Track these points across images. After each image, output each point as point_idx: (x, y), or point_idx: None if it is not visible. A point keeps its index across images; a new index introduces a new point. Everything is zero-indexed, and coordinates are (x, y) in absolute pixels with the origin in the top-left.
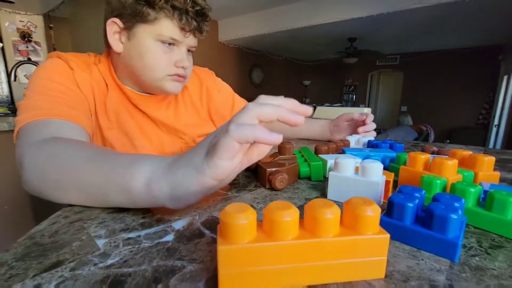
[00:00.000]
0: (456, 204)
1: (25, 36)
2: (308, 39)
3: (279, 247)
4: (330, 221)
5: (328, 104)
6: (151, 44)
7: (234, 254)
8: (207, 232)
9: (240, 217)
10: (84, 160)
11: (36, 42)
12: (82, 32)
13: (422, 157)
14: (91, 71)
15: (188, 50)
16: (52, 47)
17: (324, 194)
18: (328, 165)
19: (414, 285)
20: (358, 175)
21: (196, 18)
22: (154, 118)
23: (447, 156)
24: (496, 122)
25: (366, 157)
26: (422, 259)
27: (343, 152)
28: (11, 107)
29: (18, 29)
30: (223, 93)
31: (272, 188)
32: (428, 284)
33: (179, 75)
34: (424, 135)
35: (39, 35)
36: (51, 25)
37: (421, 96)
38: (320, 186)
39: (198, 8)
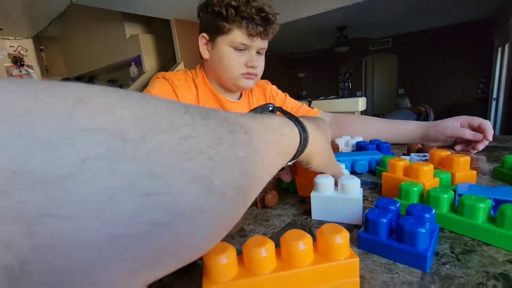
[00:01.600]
0: (427, 215)
1: (17, 61)
2: (297, 33)
3: (259, 281)
4: (304, 252)
5: (323, 98)
6: (226, 50)
7: None
8: (200, 262)
9: (221, 257)
10: None
11: (28, 66)
12: (73, 50)
13: (401, 164)
14: (191, 89)
15: (258, 52)
16: (45, 69)
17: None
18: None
19: None
20: (338, 192)
21: (261, 23)
22: None
23: (427, 156)
24: (494, 95)
25: (353, 162)
26: (397, 272)
27: None
28: None
29: (9, 54)
30: (279, 96)
31: (263, 206)
32: None
33: (249, 74)
34: (423, 115)
35: (30, 58)
36: (42, 47)
37: (417, 77)
38: (308, 198)
39: (263, 14)
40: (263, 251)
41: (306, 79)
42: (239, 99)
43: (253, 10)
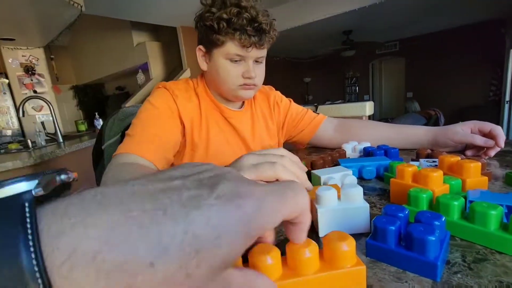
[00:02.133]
0: (436, 223)
1: (29, 70)
2: (303, 37)
3: None
4: (310, 259)
5: (329, 102)
6: (222, 63)
7: None
8: None
9: None
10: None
11: (39, 74)
12: (82, 57)
13: (410, 170)
14: (191, 99)
15: (256, 61)
16: (55, 77)
17: None
18: (322, 181)
19: None
20: (343, 202)
21: (255, 34)
22: (237, 129)
23: (436, 162)
24: (507, 98)
25: (360, 168)
26: (406, 281)
27: (338, 164)
28: (23, 141)
29: (21, 63)
30: (284, 103)
31: None
32: None
33: (247, 84)
34: (433, 119)
35: (41, 67)
36: (52, 56)
37: (426, 79)
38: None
39: (256, 24)
40: (269, 258)
41: (312, 84)
42: (241, 107)
43: (245, 21)
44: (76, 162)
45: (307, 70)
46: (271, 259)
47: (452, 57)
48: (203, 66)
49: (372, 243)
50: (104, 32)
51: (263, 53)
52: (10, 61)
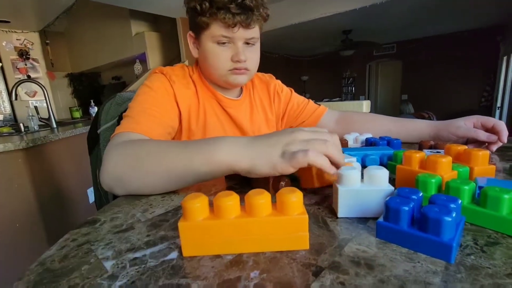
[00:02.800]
0: (452, 205)
1: (23, 54)
2: (302, 35)
3: (224, 223)
4: (262, 204)
5: (327, 100)
6: (209, 47)
7: (190, 228)
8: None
9: (195, 201)
10: (168, 145)
11: (34, 59)
12: (78, 44)
13: (417, 156)
14: (189, 85)
15: (248, 43)
16: (50, 63)
17: (323, 195)
18: None
19: None
20: (366, 184)
21: (239, 12)
22: (235, 118)
23: (442, 151)
24: (498, 104)
25: (364, 157)
26: (419, 262)
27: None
28: (15, 125)
29: (15, 47)
30: (285, 93)
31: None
32: (424, 287)
33: (237, 69)
34: None
35: (36, 52)
36: (48, 41)
37: (421, 83)
38: (317, 190)
39: (239, 1)
40: (229, 200)
41: (309, 82)
42: (239, 96)
43: None
44: (70, 148)
45: (305, 69)
46: (231, 201)
47: (448, 62)
48: (195, 52)
49: (383, 224)
50: (102, 20)
51: (253, 33)
52: (4, 44)
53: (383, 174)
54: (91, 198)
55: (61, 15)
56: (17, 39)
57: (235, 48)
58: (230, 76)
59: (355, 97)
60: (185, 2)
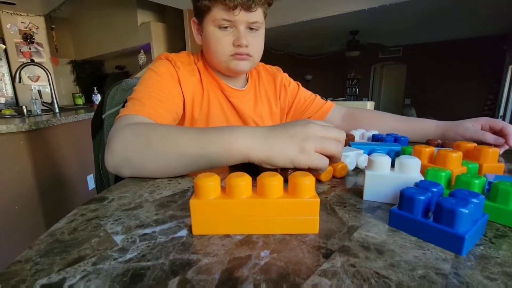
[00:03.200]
0: (474, 200)
1: (27, 38)
2: (309, 33)
3: (234, 202)
4: (275, 186)
5: (331, 99)
6: (212, 31)
7: (201, 206)
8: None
9: (208, 180)
10: (181, 130)
11: (38, 44)
12: (83, 31)
13: (427, 150)
14: (194, 72)
15: (251, 28)
16: (54, 48)
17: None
18: None
19: (420, 273)
20: (396, 172)
21: None
22: (238, 109)
23: (451, 149)
24: (501, 113)
25: (371, 151)
26: (428, 249)
27: (349, 146)
28: (17, 108)
29: (20, 30)
30: (292, 87)
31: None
32: (434, 272)
33: (238, 54)
34: None
35: (41, 36)
36: (53, 26)
37: (425, 88)
38: (333, 180)
39: None
40: (242, 180)
41: (313, 82)
42: (244, 86)
43: None
44: (71, 134)
45: (309, 68)
46: (243, 181)
47: (453, 69)
48: (198, 39)
49: (396, 212)
50: (108, 7)
51: (255, 17)
52: (8, 26)
53: (415, 163)
54: (91, 185)
55: (67, 0)
56: (22, 22)
57: (237, 33)
58: (231, 62)
59: (358, 98)
60: None
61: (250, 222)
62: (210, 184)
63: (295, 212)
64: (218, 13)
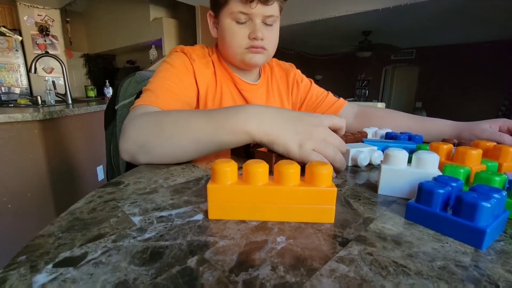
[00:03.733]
0: (496, 195)
1: (43, 30)
2: (321, 33)
3: (251, 188)
4: (291, 174)
5: None
6: (227, 24)
7: (218, 190)
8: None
9: (225, 165)
10: (191, 114)
11: (53, 36)
12: (96, 26)
13: (445, 147)
14: (208, 65)
15: (266, 24)
16: (68, 41)
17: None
18: (351, 155)
19: (440, 264)
20: (412, 167)
21: None
22: (250, 102)
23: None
24: None
25: (385, 148)
26: (447, 242)
27: (362, 142)
28: (31, 98)
29: (36, 23)
30: (304, 83)
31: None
32: (454, 264)
33: (253, 47)
34: None
35: (56, 29)
36: (68, 19)
37: (437, 91)
38: (346, 175)
39: None
40: (259, 167)
41: (323, 82)
42: (257, 81)
43: None
44: (83, 125)
45: (319, 68)
46: (260, 168)
47: (466, 72)
48: (214, 32)
49: (413, 205)
50: (121, 3)
51: (271, 11)
52: (25, 18)
53: (434, 158)
54: (100, 176)
55: None
56: (38, 15)
57: (253, 26)
58: (246, 55)
59: (367, 100)
60: None
61: (267, 209)
62: (227, 169)
63: (311, 201)
64: (235, 6)
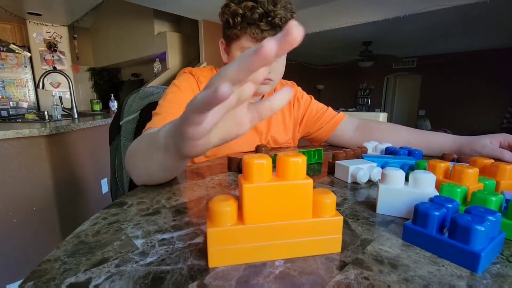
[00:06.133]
0: (490, 218)
1: (51, 46)
2: (322, 44)
3: (254, 229)
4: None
5: (343, 109)
6: (237, 57)
7: (219, 234)
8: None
9: (225, 205)
10: (148, 146)
11: (61, 52)
12: (102, 40)
13: (442, 165)
14: None
15: None
16: (75, 56)
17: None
18: (350, 171)
19: None
20: (410, 186)
21: (268, 28)
22: None
23: (467, 164)
24: None
25: (384, 164)
26: (443, 266)
27: (362, 158)
28: (39, 113)
29: (44, 39)
30: (304, 99)
31: None
32: None
33: None
34: None
35: (63, 45)
36: (75, 35)
37: (440, 99)
38: (346, 193)
39: (269, 19)
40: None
41: (325, 92)
42: (261, 99)
43: (257, 15)
44: (88, 139)
45: (321, 77)
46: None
47: (470, 81)
48: (224, 58)
49: (410, 226)
50: (126, 18)
51: None
52: (34, 35)
53: (430, 178)
54: (104, 189)
55: (90, 11)
56: (47, 32)
57: None
58: None
59: (370, 109)
60: (220, 14)
61: (268, 247)
62: (226, 209)
63: (318, 233)
64: (246, 42)
